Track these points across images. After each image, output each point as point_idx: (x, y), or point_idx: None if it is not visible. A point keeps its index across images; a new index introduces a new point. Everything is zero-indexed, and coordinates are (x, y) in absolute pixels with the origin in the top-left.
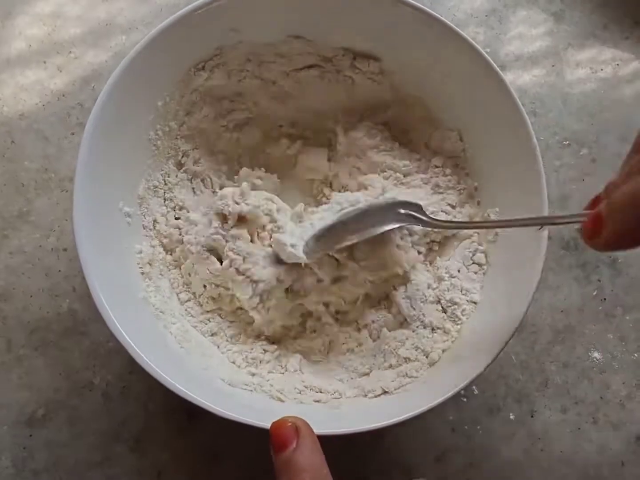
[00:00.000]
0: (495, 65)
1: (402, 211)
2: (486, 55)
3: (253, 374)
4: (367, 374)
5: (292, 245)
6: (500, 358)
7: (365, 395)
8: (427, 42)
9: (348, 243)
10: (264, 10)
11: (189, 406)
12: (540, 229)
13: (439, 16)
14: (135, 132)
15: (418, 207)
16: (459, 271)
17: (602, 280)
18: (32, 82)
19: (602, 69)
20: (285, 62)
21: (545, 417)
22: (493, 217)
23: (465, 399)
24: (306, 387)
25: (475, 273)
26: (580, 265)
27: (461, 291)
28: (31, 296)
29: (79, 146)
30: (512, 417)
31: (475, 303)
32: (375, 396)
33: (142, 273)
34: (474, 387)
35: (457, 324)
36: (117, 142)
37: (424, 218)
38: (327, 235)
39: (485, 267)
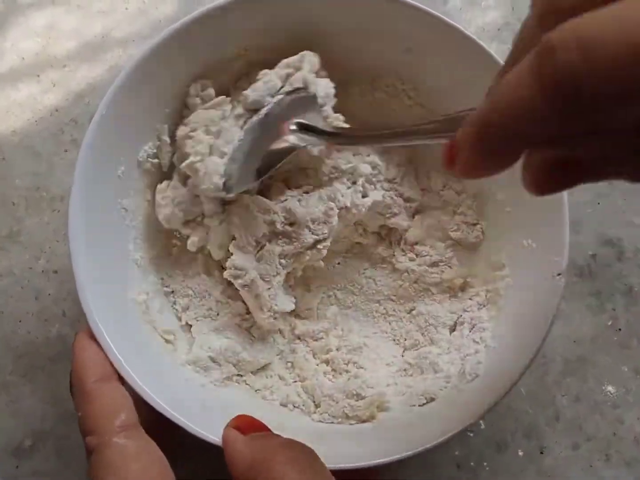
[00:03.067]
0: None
1: (294, 127)
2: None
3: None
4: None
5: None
6: (509, 391)
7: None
8: (444, 53)
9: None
10: (287, 14)
11: (180, 436)
12: (558, 275)
13: (460, 26)
14: (146, 124)
15: (313, 104)
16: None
17: (617, 309)
18: (25, 97)
19: None
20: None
21: (556, 453)
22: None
23: (471, 434)
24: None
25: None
26: (594, 293)
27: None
28: (20, 320)
29: (72, 164)
30: (520, 453)
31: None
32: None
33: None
34: (480, 421)
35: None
36: (124, 129)
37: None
38: (242, 160)
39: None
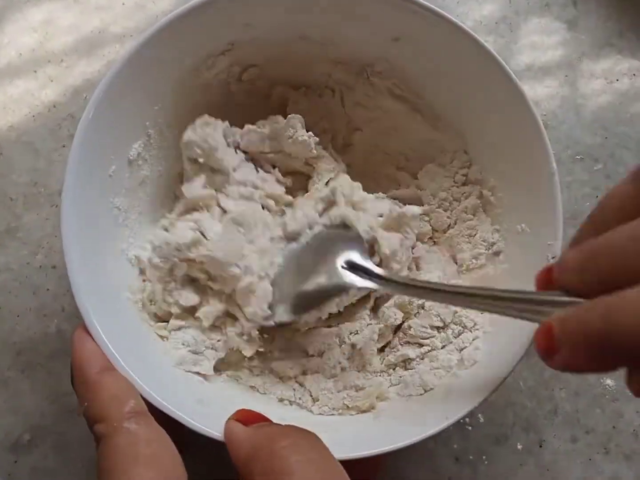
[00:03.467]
0: (516, 79)
1: (344, 265)
2: (506, 65)
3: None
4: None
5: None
6: (508, 384)
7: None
8: (441, 47)
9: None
10: (277, 6)
11: (182, 435)
12: (553, 258)
13: (457, 21)
14: (135, 122)
15: (359, 246)
16: None
17: None
18: (22, 92)
19: (618, 80)
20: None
21: (555, 447)
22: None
23: (470, 427)
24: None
25: None
26: None
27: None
28: (18, 316)
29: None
30: (519, 446)
31: (479, 330)
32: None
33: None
34: (479, 414)
35: (459, 352)
36: (113, 127)
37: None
38: (283, 288)
39: None
